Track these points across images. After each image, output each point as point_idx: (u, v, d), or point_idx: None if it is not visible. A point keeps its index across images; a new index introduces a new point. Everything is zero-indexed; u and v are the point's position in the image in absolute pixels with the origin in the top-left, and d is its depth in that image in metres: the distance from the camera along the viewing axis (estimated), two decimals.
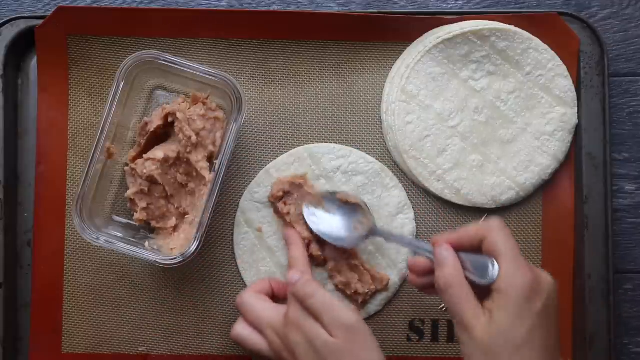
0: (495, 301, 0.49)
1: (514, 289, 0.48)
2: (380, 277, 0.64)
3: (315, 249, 0.62)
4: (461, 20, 0.64)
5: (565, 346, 0.64)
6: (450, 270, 0.51)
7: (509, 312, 0.48)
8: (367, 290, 0.63)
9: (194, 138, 0.61)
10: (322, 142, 0.65)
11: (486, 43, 0.63)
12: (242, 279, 0.65)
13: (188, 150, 0.62)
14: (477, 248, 0.52)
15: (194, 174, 0.62)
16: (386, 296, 0.64)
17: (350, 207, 0.62)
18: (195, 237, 0.59)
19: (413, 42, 0.65)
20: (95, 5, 0.67)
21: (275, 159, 0.65)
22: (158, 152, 0.62)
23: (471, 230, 0.53)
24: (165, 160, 0.62)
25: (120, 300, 0.65)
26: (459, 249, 0.52)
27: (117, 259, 0.65)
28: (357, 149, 0.65)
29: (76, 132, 0.65)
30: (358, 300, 0.64)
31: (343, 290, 0.64)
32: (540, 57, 0.64)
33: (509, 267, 0.49)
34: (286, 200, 0.63)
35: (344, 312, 0.54)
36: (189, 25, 0.65)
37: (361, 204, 0.62)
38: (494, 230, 0.51)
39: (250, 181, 0.65)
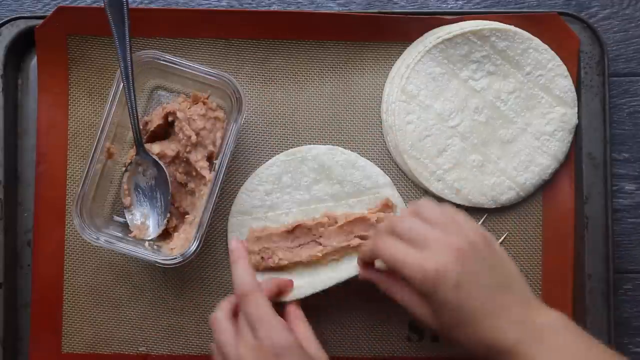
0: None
1: (418, 287, 0.50)
2: (383, 203, 0.63)
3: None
4: (461, 20, 0.64)
5: None
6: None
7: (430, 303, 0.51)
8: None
9: (193, 137, 0.61)
10: (322, 142, 0.65)
11: (486, 43, 0.63)
12: None
13: (188, 149, 0.62)
14: None
15: (194, 173, 0.62)
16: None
17: None
18: (195, 237, 0.59)
19: (413, 42, 0.65)
20: (95, 5, 0.67)
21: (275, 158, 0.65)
22: (154, 147, 0.62)
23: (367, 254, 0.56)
24: (162, 155, 0.62)
25: (120, 300, 0.65)
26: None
27: (117, 259, 0.65)
28: (357, 149, 0.65)
29: (76, 132, 0.65)
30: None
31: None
32: (540, 57, 0.64)
33: (404, 274, 0.51)
34: (264, 255, 0.62)
35: (276, 331, 0.52)
36: (189, 25, 0.65)
37: None
38: (377, 251, 0.53)
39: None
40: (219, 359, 0.55)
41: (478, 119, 0.64)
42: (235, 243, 0.59)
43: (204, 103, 0.63)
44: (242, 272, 0.56)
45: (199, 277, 0.65)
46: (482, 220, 0.65)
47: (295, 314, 0.59)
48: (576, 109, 0.65)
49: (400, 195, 0.64)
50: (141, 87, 0.64)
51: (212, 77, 0.60)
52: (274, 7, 0.67)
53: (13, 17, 0.65)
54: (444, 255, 0.50)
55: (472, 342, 0.50)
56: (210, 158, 0.63)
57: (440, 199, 0.65)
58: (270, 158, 0.65)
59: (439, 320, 0.51)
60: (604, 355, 0.49)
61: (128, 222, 0.63)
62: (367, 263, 0.58)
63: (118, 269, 0.65)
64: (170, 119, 0.63)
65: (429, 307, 0.51)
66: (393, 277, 0.55)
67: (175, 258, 0.59)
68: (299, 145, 0.65)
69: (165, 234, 0.63)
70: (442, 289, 0.49)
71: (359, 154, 0.65)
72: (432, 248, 0.50)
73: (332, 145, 0.65)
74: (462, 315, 0.50)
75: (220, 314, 0.56)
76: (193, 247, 0.59)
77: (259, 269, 0.62)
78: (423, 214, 0.53)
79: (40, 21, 0.64)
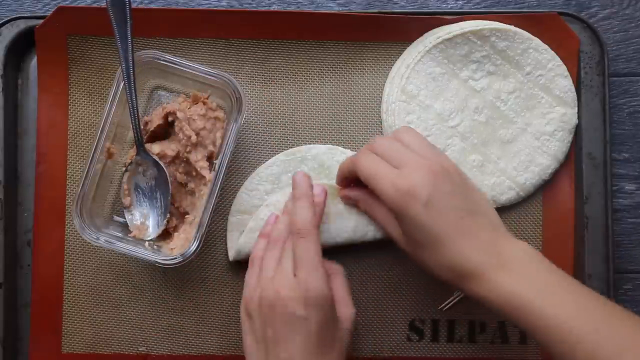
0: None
1: (390, 203, 0.53)
2: None
3: None
4: (461, 20, 0.64)
5: None
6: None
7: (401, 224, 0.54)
8: None
9: (193, 137, 0.61)
10: (322, 142, 0.65)
11: (486, 43, 0.63)
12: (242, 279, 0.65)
13: (188, 149, 0.62)
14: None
15: (194, 173, 0.62)
16: None
17: None
18: (195, 237, 0.59)
19: (413, 42, 0.65)
20: (95, 5, 0.67)
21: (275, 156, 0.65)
22: (154, 147, 0.62)
23: (345, 170, 0.59)
24: (162, 155, 0.62)
25: (120, 300, 0.65)
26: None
27: (117, 259, 0.65)
28: (357, 149, 0.65)
29: (76, 132, 0.65)
30: None
31: None
32: (540, 57, 0.64)
33: (377, 189, 0.54)
34: None
35: (315, 279, 0.52)
36: (189, 25, 0.65)
37: None
38: (355, 165, 0.56)
39: None
40: (256, 268, 0.57)
41: (478, 119, 0.64)
42: (302, 176, 0.58)
43: (204, 103, 0.63)
44: (306, 210, 0.56)
45: (199, 277, 0.65)
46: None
47: (336, 268, 0.59)
48: (576, 109, 0.65)
49: None
50: (141, 87, 0.64)
51: (212, 77, 0.60)
52: (274, 7, 0.67)
53: (13, 17, 0.65)
54: (417, 174, 0.52)
55: (438, 265, 0.52)
56: (210, 158, 0.63)
57: None
58: (270, 158, 0.65)
59: (409, 240, 0.54)
60: (566, 281, 0.50)
61: (128, 222, 0.63)
62: (346, 181, 0.60)
63: (118, 269, 0.65)
64: (170, 119, 0.63)
65: (401, 226, 0.54)
66: (372, 196, 0.57)
67: (175, 258, 0.59)
68: (299, 145, 0.65)
69: (165, 234, 0.63)
70: (413, 206, 0.51)
71: None
72: (407, 167, 0.53)
73: (332, 145, 0.65)
74: (430, 236, 0.51)
75: (278, 234, 0.57)
76: (193, 247, 0.59)
77: None
78: (403, 139, 0.56)
79: (40, 21, 0.64)
